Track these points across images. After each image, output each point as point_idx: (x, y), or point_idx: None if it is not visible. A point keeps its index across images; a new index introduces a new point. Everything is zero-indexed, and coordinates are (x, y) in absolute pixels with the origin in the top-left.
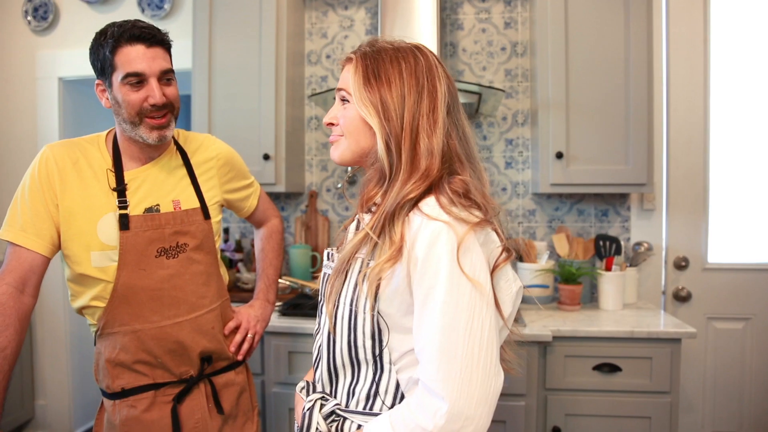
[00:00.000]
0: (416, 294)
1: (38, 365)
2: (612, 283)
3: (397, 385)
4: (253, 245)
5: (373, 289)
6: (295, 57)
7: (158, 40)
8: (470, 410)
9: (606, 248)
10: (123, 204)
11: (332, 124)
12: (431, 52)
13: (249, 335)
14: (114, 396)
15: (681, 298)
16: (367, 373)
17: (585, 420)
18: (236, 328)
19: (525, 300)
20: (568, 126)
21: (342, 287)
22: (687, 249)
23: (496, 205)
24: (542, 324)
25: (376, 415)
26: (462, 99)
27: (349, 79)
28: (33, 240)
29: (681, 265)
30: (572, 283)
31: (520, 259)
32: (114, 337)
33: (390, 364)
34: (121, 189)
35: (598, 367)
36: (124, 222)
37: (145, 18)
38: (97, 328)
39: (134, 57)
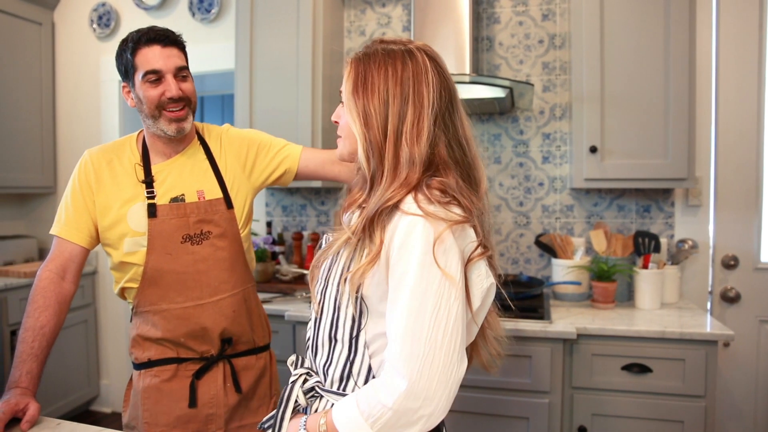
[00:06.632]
0: (390, 279)
1: (102, 349)
2: (648, 282)
3: (369, 368)
4: (294, 238)
5: (355, 287)
6: (334, 55)
7: (172, 40)
8: (429, 391)
9: (645, 245)
10: (151, 194)
11: (336, 122)
12: (427, 55)
13: None
14: (141, 366)
15: (729, 298)
16: (341, 354)
17: (613, 421)
18: None
19: (557, 296)
20: (603, 119)
21: (331, 269)
22: (737, 247)
23: (480, 207)
24: (569, 321)
25: (346, 396)
26: (494, 94)
27: (343, 84)
28: (72, 233)
29: (730, 264)
30: (606, 281)
31: (555, 255)
32: (146, 316)
33: (364, 347)
34: (148, 181)
35: (628, 367)
36: (151, 210)
37: (195, 21)
38: (132, 306)
39: (152, 57)
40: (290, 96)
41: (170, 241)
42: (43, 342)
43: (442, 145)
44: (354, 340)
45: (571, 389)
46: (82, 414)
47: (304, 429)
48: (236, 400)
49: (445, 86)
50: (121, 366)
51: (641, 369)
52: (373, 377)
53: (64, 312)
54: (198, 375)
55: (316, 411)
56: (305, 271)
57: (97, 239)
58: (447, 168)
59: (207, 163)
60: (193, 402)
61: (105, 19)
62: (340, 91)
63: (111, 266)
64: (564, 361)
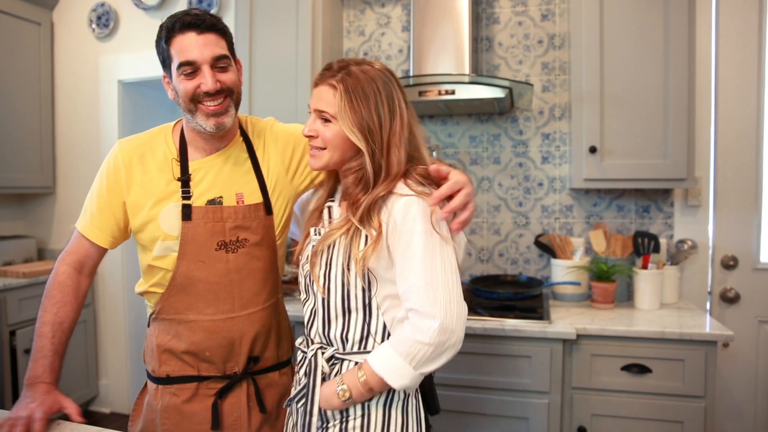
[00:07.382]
0: (396, 250)
1: (101, 348)
2: (648, 282)
3: (384, 326)
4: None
5: (360, 266)
6: (333, 55)
7: (209, 25)
8: (453, 325)
9: (644, 245)
10: (186, 194)
11: (312, 137)
12: (391, 74)
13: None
14: (158, 381)
15: (729, 299)
16: (357, 320)
17: (612, 421)
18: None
19: (556, 297)
20: (602, 119)
21: (332, 254)
22: (736, 247)
23: None
24: (569, 321)
25: (370, 352)
26: (493, 94)
27: (331, 102)
28: (95, 232)
29: (729, 264)
30: (605, 281)
31: (554, 255)
32: (168, 324)
33: (377, 309)
34: (185, 179)
35: (627, 368)
36: (186, 212)
37: None
38: (153, 311)
39: (186, 45)
40: (290, 96)
41: (204, 248)
42: (63, 337)
43: (412, 146)
44: (367, 305)
45: (571, 389)
46: (82, 414)
47: (343, 384)
48: (260, 420)
49: (407, 100)
50: (120, 366)
51: (641, 369)
52: (388, 332)
53: (82, 306)
54: (220, 394)
55: (338, 374)
56: None
57: (120, 238)
58: (418, 162)
59: (249, 163)
60: (216, 424)
61: (104, 19)
62: (318, 109)
63: (141, 267)
64: (564, 361)
